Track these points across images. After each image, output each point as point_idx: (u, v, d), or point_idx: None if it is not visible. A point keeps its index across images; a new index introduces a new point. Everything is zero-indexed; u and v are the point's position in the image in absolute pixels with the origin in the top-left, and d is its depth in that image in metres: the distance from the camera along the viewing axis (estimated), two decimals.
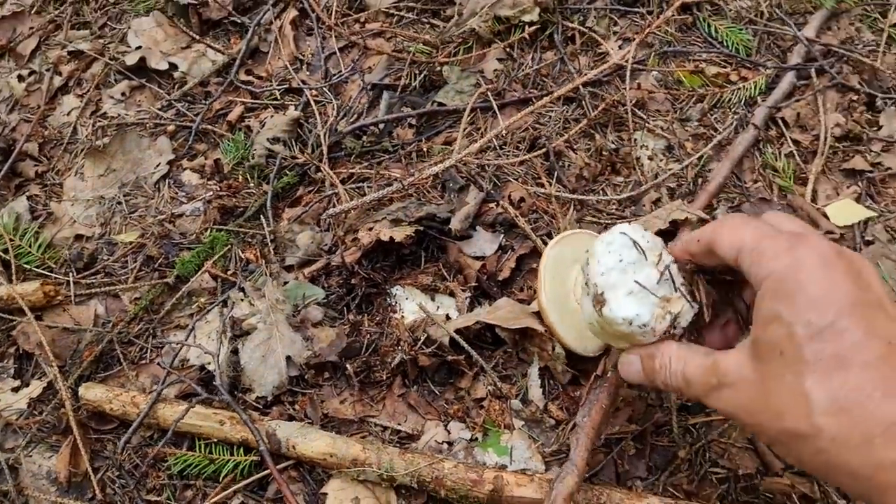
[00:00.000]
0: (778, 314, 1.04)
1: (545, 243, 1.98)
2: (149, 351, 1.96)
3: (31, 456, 1.80)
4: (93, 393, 1.82)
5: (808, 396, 0.98)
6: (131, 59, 2.51)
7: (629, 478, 1.67)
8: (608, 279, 1.31)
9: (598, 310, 1.31)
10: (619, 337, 1.34)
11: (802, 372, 0.99)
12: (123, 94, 2.49)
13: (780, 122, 2.20)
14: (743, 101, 2.23)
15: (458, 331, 1.79)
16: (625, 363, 1.36)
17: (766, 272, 1.08)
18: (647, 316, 1.27)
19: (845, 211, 2.03)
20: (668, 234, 1.98)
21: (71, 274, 2.08)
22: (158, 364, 1.92)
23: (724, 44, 2.35)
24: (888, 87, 2.23)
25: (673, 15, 2.36)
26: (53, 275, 2.08)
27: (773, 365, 1.04)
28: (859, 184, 2.09)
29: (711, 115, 2.24)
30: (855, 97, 2.22)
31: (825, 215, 2.01)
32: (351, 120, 2.34)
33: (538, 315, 1.77)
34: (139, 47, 2.54)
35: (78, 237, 2.17)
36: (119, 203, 2.23)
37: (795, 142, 2.17)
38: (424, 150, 2.26)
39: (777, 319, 1.04)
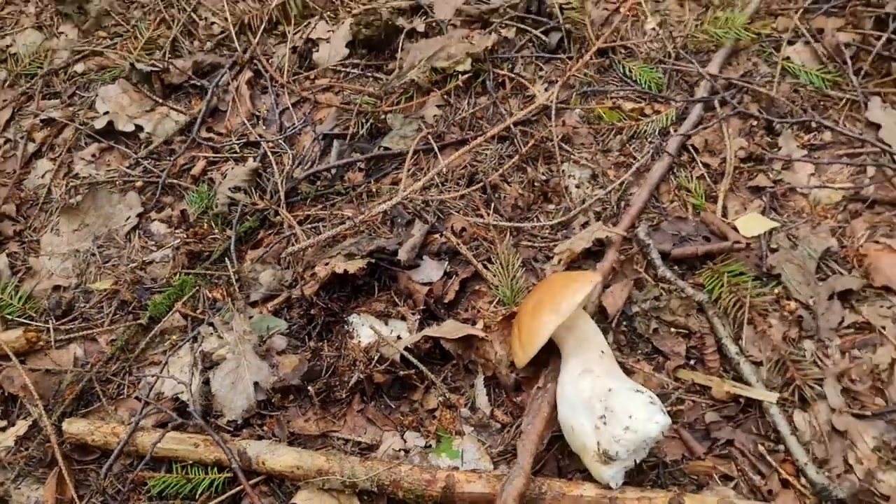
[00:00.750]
0: None
1: (486, 268, 2.20)
2: (126, 387, 2.12)
3: (19, 488, 1.95)
4: (75, 427, 1.98)
5: None
6: (100, 123, 2.72)
7: (569, 471, 1.86)
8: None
9: (597, 459, 1.71)
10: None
11: None
12: (94, 155, 2.69)
13: (690, 148, 2.46)
14: (657, 132, 2.49)
15: (407, 348, 1.99)
16: None
17: None
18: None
19: (752, 223, 2.26)
20: (592, 253, 2.21)
21: (51, 321, 2.25)
22: (136, 398, 2.08)
23: (638, 82, 2.62)
24: (784, 113, 2.50)
25: (591, 59, 2.63)
26: (34, 323, 2.24)
27: None
28: (763, 198, 2.33)
29: (630, 145, 2.49)
30: (755, 123, 2.49)
31: (735, 228, 2.24)
32: (305, 167, 2.56)
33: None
34: (107, 112, 2.75)
35: (56, 288, 2.34)
36: (93, 255, 2.41)
37: (705, 165, 2.42)
38: (373, 190, 2.47)
39: None
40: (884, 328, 2.01)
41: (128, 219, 2.49)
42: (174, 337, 2.19)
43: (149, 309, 2.23)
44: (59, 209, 2.52)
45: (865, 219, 2.26)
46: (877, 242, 2.18)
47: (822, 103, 2.54)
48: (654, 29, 2.74)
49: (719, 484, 1.81)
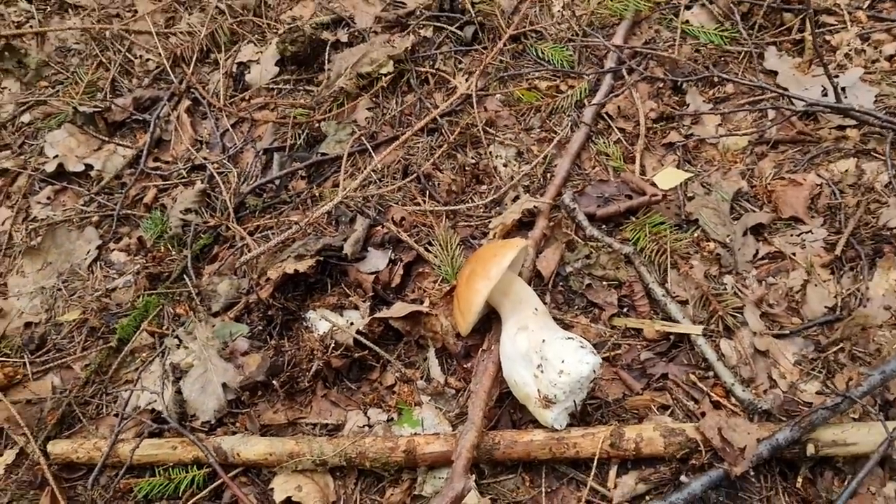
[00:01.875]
0: None
1: (427, 251, 2.35)
2: (104, 406, 2.25)
3: None
4: (60, 447, 2.11)
5: None
6: (51, 167, 2.85)
7: (522, 422, 2.01)
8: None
9: (539, 405, 1.87)
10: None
11: None
12: (49, 197, 2.82)
13: (605, 116, 2.63)
14: (573, 105, 2.66)
15: (360, 332, 2.14)
16: None
17: None
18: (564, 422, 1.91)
19: (669, 177, 2.43)
20: (524, 224, 2.37)
21: (26, 356, 2.37)
22: (114, 414, 2.21)
23: (551, 61, 2.80)
24: (688, 72, 2.68)
25: (505, 46, 2.80)
26: (11, 359, 2.37)
27: None
28: (677, 153, 2.51)
29: (549, 120, 2.66)
30: (662, 85, 2.67)
31: (653, 183, 2.41)
32: (250, 182, 2.71)
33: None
34: (56, 156, 2.88)
35: (28, 324, 2.47)
36: (59, 289, 2.54)
37: (621, 129, 2.59)
38: (316, 194, 2.62)
39: None
40: (794, 254, 2.19)
41: (88, 252, 2.62)
42: (144, 354, 2.32)
43: (117, 332, 2.36)
44: (22, 252, 2.64)
45: (771, 158, 2.44)
46: (782, 178, 2.37)
47: (722, 59, 2.72)
48: (560, 11, 2.92)
49: (657, 414, 1.97)
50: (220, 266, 2.48)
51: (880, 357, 1.95)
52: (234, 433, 2.11)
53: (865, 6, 2.74)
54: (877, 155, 2.34)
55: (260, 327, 2.31)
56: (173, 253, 2.56)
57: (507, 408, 2.04)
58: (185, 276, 2.46)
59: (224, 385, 2.16)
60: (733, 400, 1.95)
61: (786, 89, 2.53)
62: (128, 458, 2.03)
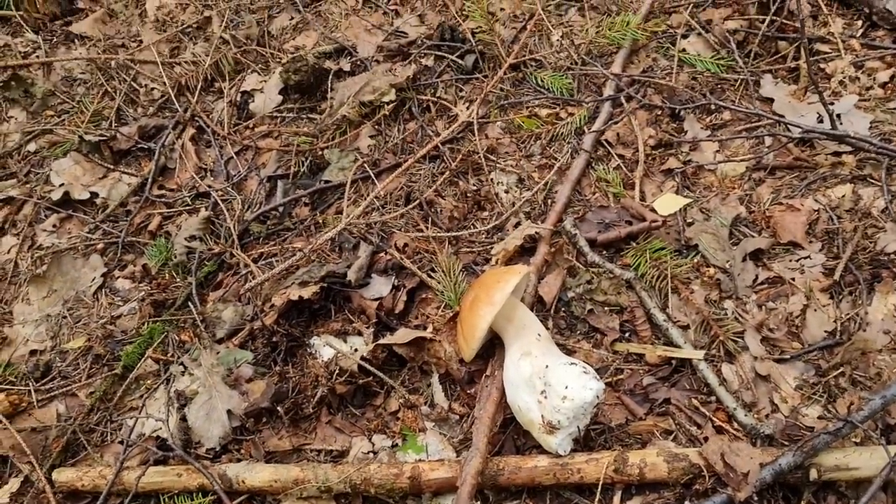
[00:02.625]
0: None
1: (430, 277, 2.37)
2: (109, 434, 2.26)
3: None
4: (65, 475, 2.11)
5: None
6: (56, 195, 2.88)
7: (526, 448, 2.02)
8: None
9: (543, 430, 1.88)
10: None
11: None
12: (54, 225, 2.85)
13: (605, 143, 2.67)
14: (573, 132, 2.70)
15: (364, 358, 2.15)
16: None
17: None
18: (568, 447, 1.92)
19: (668, 203, 2.46)
20: (526, 250, 2.39)
21: (31, 383, 2.38)
22: (119, 442, 2.22)
23: (551, 89, 2.84)
24: (685, 100, 2.72)
25: (505, 74, 2.85)
26: (16, 387, 2.38)
27: None
28: (676, 179, 2.54)
29: (550, 147, 2.70)
30: (660, 112, 2.71)
31: (653, 209, 2.44)
32: (254, 209, 2.74)
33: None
34: (62, 184, 2.91)
35: (33, 352, 2.48)
36: (64, 317, 2.56)
37: (620, 156, 2.63)
38: (320, 221, 2.65)
39: None
40: (793, 279, 2.21)
41: (93, 280, 2.64)
42: (149, 381, 2.34)
43: (122, 359, 2.37)
44: (28, 280, 2.67)
45: (768, 184, 2.47)
46: (780, 204, 2.40)
47: (719, 87, 2.77)
48: (559, 40, 2.97)
49: (661, 439, 1.98)
50: (225, 293, 2.50)
51: (881, 381, 1.97)
52: (238, 460, 2.12)
53: (859, 34, 2.79)
54: (873, 181, 2.38)
55: (264, 354, 2.33)
56: (178, 280, 2.58)
57: (511, 433, 2.05)
58: (189, 303, 2.48)
59: (229, 412, 2.17)
60: (735, 425, 1.97)
61: (782, 116, 2.57)
62: (133, 486, 2.04)
